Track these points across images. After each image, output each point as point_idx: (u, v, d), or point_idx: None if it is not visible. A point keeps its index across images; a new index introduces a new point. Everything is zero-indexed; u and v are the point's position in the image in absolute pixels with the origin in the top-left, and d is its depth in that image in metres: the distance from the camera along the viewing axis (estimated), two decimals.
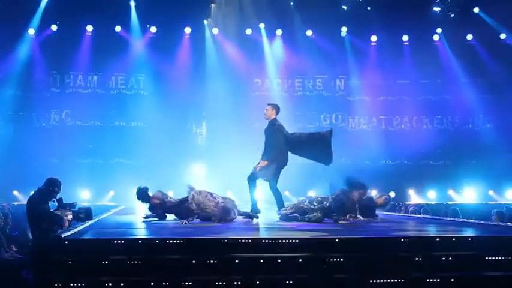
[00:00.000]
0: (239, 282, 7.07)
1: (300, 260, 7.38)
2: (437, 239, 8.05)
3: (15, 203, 15.21)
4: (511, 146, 19.72)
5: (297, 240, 7.72)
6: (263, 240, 7.76)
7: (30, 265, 8.21)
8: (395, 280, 7.22)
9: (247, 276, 7.17)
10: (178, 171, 18.03)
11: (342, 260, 7.39)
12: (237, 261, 7.33)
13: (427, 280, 7.28)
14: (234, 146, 17.20)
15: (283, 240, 7.70)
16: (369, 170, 17.61)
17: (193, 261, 7.28)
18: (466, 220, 11.59)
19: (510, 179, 19.79)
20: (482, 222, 11.00)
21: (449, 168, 19.80)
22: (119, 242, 7.50)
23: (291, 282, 7.11)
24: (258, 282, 7.10)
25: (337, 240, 7.78)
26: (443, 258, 7.57)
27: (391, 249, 7.73)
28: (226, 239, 7.75)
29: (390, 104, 20.37)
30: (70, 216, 9.64)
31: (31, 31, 18.83)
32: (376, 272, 7.33)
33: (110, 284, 6.99)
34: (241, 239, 7.77)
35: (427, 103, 20.12)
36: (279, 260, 7.36)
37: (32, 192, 10.13)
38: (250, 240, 7.71)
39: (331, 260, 7.38)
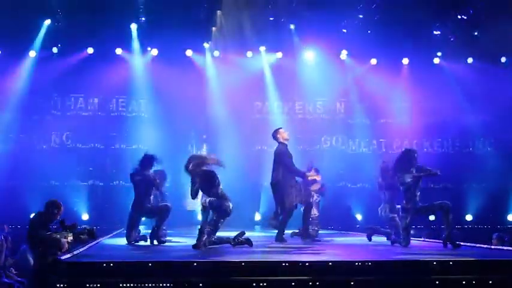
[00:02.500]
0: None
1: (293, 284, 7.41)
2: (434, 263, 8.05)
3: (13, 226, 15.14)
4: (511, 169, 19.71)
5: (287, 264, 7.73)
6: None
7: None
8: None
9: None
10: (179, 193, 18.06)
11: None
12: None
13: None
14: (235, 168, 17.17)
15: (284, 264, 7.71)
16: (369, 193, 17.63)
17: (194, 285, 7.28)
18: (466, 244, 11.58)
19: (510, 203, 19.78)
20: (482, 246, 10.99)
21: (449, 191, 19.74)
22: (118, 264, 7.50)
23: None
24: None
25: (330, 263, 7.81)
26: (441, 282, 7.58)
27: (389, 273, 7.72)
28: (225, 262, 7.76)
29: (390, 126, 20.37)
30: (70, 238, 9.62)
31: (32, 53, 18.89)
32: None
33: None
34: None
35: (427, 126, 20.12)
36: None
37: (32, 215, 10.12)
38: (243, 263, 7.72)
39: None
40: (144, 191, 11.77)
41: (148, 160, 12.05)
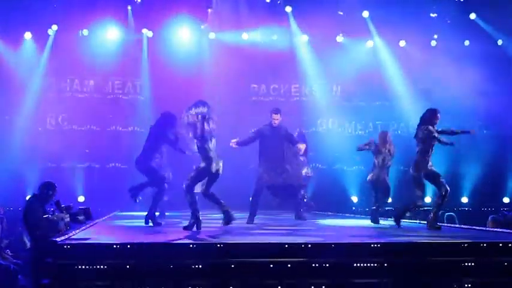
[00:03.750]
0: None
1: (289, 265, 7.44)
2: (432, 245, 8.08)
3: (11, 208, 15.15)
4: (507, 152, 19.74)
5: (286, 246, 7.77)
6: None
7: (27, 270, 8.22)
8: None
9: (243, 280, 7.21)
10: (175, 176, 18.06)
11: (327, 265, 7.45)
12: (233, 266, 7.36)
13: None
14: (232, 151, 17.18)
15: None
16: (365, 175, 17.70)
17: (191, 267, 7.31)
18: (462, 226, 11.64)
19: (506, 185, 19.83)
20: (477, 228, 11.04)
21: (445, 174, 19.77)
22: (115, 246, 7.51)
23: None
24: None
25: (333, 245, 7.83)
26: (436, 264, 7.62)
27: (385, 255, 7.75)
28: (221, 243, 7.78)
29: (387, 109, 20.36)
30: (67, 220, 9.62)
31: (27, 35, 18.82)
32: (369, 277, 7.37)
33: None
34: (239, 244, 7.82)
35: (424, 108, 20.06)
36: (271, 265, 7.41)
37: (27, 198, 10.11)
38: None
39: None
40: (153, 145, 11.56)
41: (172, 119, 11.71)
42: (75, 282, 7.04)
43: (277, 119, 12.65)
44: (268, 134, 12.58)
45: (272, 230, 10.73)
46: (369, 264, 7.49)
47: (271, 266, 7.38)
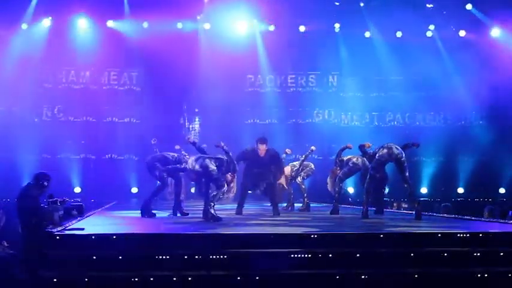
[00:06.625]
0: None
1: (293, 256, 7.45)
2: (428, 235, 8.10)
3: (8, 199, 15.14)
4: (503, 143, 19.75)
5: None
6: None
7: (22, 261, 8.19)
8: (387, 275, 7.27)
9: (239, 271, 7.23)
10: None
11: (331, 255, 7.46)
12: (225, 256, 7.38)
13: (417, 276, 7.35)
14: (227, 142, 17.21)
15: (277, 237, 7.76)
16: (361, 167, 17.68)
17: (185, 257, 7.32)
18: (458, 216, 11.66)
19: (502, 176, 19.84)
20: (473, 218, 11.06)
21: (442, 165, 19.88)
22: (110, 237, 7.52)
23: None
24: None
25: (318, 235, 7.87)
26: (435, 254, 7.64)
27: (382, 245, 7.77)
28: (217, 234, 7.80)
29: (383, 100, 20.36)
30: (61, 213, 9.60)
31: (24, 26, 18.76)
32: (369, 267, 7.38)
33: (101, 279, 7.02)
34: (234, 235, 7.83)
35: (420, 99, 20.13)
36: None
37: (22, 187, 10.07)
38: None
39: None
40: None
41: None
42: (70, 272, 7.04)
43: (263, 149, 12.14)
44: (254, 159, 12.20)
45: (268, 221, 10.73)
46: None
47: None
